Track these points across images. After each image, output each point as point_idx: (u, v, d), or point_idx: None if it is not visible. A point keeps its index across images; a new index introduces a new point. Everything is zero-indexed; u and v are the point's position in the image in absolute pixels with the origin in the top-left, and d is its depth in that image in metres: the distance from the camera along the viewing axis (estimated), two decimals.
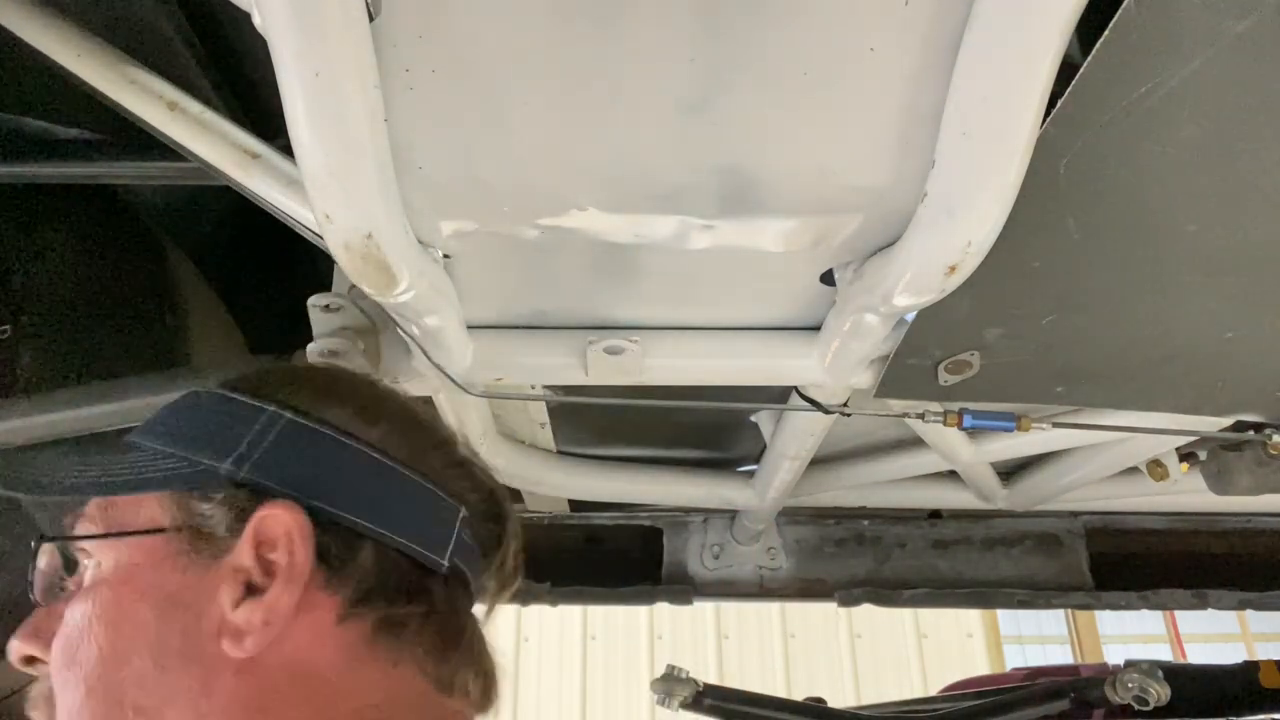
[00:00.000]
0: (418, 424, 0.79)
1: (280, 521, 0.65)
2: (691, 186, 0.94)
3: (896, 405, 1.37)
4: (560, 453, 1.89)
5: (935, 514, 2.24)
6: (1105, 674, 2.18)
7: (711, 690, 2.24)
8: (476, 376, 1.27)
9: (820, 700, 2.42)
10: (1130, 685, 2.07)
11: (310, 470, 0.68)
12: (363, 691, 0.65)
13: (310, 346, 1.22)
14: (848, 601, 2.17)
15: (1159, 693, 2.05)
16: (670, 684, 2.21)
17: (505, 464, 1.74)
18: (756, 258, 1.06)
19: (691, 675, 2.23)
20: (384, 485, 0.71)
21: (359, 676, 0.65)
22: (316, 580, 0.66)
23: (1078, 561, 2.19)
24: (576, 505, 2.19)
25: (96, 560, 0.67)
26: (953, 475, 1.98)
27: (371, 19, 0.71)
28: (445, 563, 0.71)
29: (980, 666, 8.23)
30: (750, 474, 1.93)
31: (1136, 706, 2.08)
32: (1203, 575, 2.21)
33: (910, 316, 1.10)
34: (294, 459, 0.68)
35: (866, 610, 2.24)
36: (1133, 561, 2.24)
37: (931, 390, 1.25)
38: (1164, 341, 1.19)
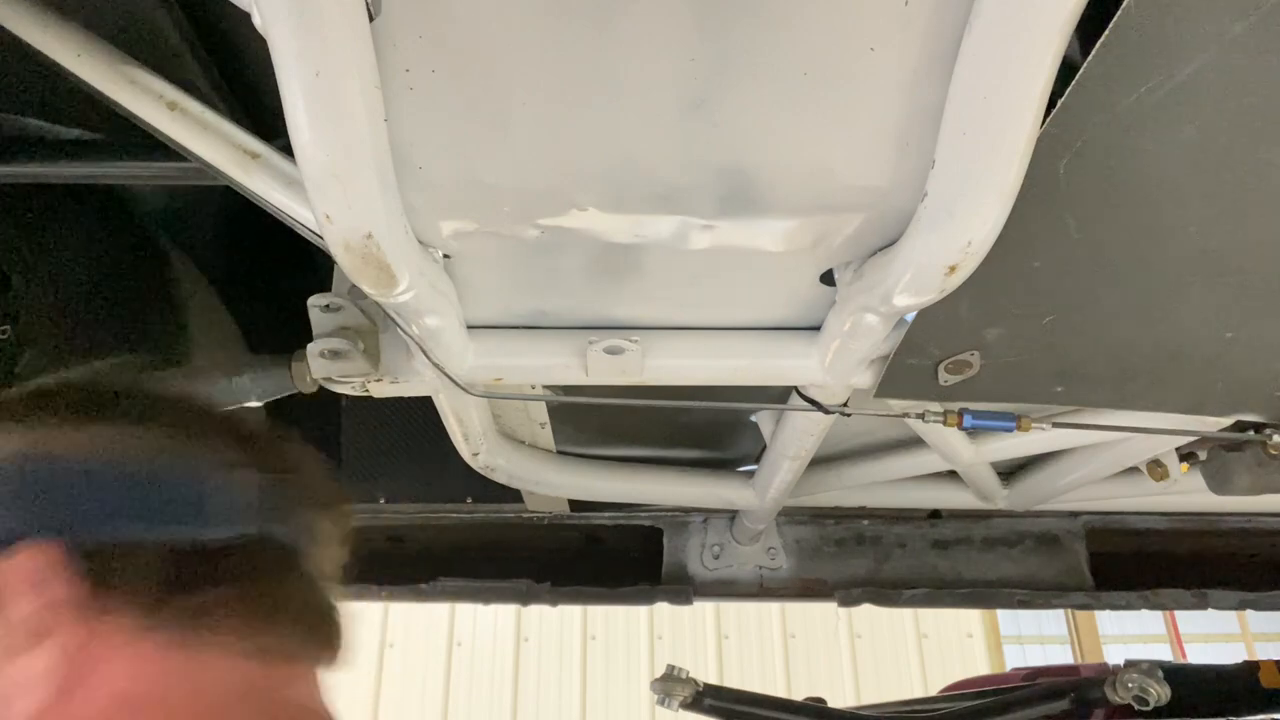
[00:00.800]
0: (171, 421, 0.72)
1: (18, 568, 0.60)
2: (691, 186, 0.94)
3: (896, 405, 1.37)
4: (560, 453, 1.89)
5: (935, 514, 2.24)
6: (1105, 674, 2.19)
7: (711, 690, 2.24)
8: (476, 376, 1.27)
9: (820, 700, 2.43)
10: (1130, 685, 2.07)
11: (49, 505, 0.63)
12: (194, 698, 0.61)
13: (310, 346, 1.22)
14: (848, 601, 2.17)
15: (1159, 693, 2.06)
16: (670, 684, 2.21)
17: (505, 464, 1.74)
18: (756, 258, 1.06)
19: (691, 675, 2.23)
20: (136, 489, 0.65)
21: (184, 684, 0.61)
22: (95, 608, 0.61)
23: (1078, 561, 2.19)
24: (576, 505, 2.19)
25: None
26: (953, 475, 1.97)
27: (371, 19, 0.71)
28: (233, 534, 0.66)
29: (980, 666, 8.24)
30: (750, 474, 1.93)
31: (1136, 706, 2.08)
32: (1203, 575, 2.21)
33: (910, 316, 1.10)
34: (29, 500, 0.64)
35: (866, 610, 2.25)
36: (1133, 561, 2.25)
37: (931, 390, 1.25)
38: (1164, 341, 1.19)
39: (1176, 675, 2.17)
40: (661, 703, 2.20)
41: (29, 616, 0.59)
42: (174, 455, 0.68)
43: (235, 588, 0.66)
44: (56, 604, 0.59)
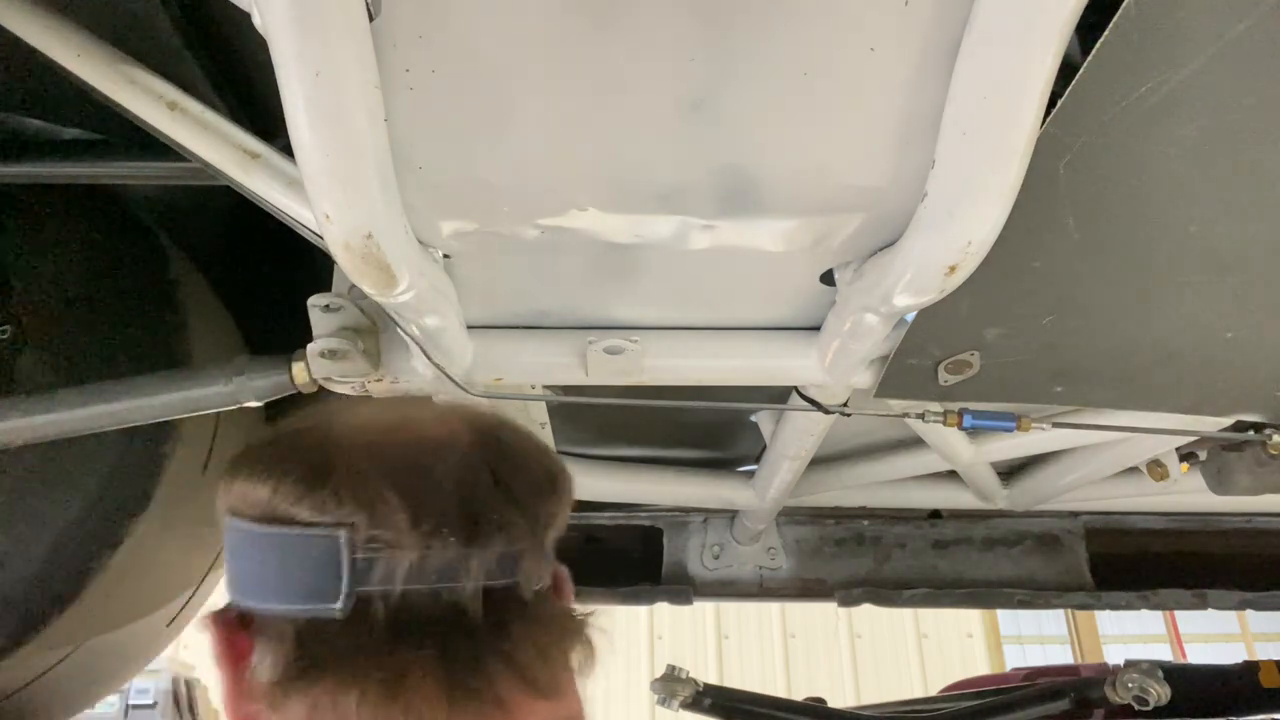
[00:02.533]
0: (287, 459, 0.67)
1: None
2: (691, 186, 0.94)
3: (896, 405, 1.37)
4: (560, 453, 1.89)
5: (935, 514, 2.24)
6: (1105, 674, 2.19)
7: (712, 690, 2.24)
8: (476, 376, 1.27)
9: (821, 700, 2.42)
10: (1130, 685, 2.07)
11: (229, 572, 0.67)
12: None
13: (310, 346, 1.22)
14: (848, 601, 2.17)
15: (1159, 693, 2.05)
16: (671, 684, 2.21)
17: None
18: (756, 258, 1.06)
19: (691, 675, 2.23)
20: (256, 555, 0.64)
21: None
22: (243, 688, 0.61)
23: (1078, 561, 2.19)
24: (576, 505, 2.18)
25: None
26: (953, 475, 1.98)
27: (371, 19, 0.71)
28: (338, 606, 0.60)
29: (980, 666, 8.24)
30: (750, 474, 1.93)
31: (1136, 706, 2.08)
32: (1203, 575, 2.21)
33: (910, 316, 1.10)
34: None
35: (866, 610, 2.24)
36: (1133, 561, 2.25)
37: (931, 390, 1.25)
38: (1164, 341, 1.19)
39: (1176, 675, 2.17)
40: (662, 703, 2.20)
41: (268, 689, 0.62)
42: (282, 510, 0.65)
43: (349, 669, 0.61)
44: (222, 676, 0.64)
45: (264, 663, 0.61)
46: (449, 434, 0.69)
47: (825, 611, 7.77)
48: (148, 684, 6.80)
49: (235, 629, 0.64)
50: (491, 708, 0.61)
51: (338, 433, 0.69)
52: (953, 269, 0.90)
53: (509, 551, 0.64)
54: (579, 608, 0.73)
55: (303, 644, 0.60)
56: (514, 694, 0.62)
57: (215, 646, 0.64)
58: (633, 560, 2.24)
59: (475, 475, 0.65)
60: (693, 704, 2.21)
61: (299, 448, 0.68)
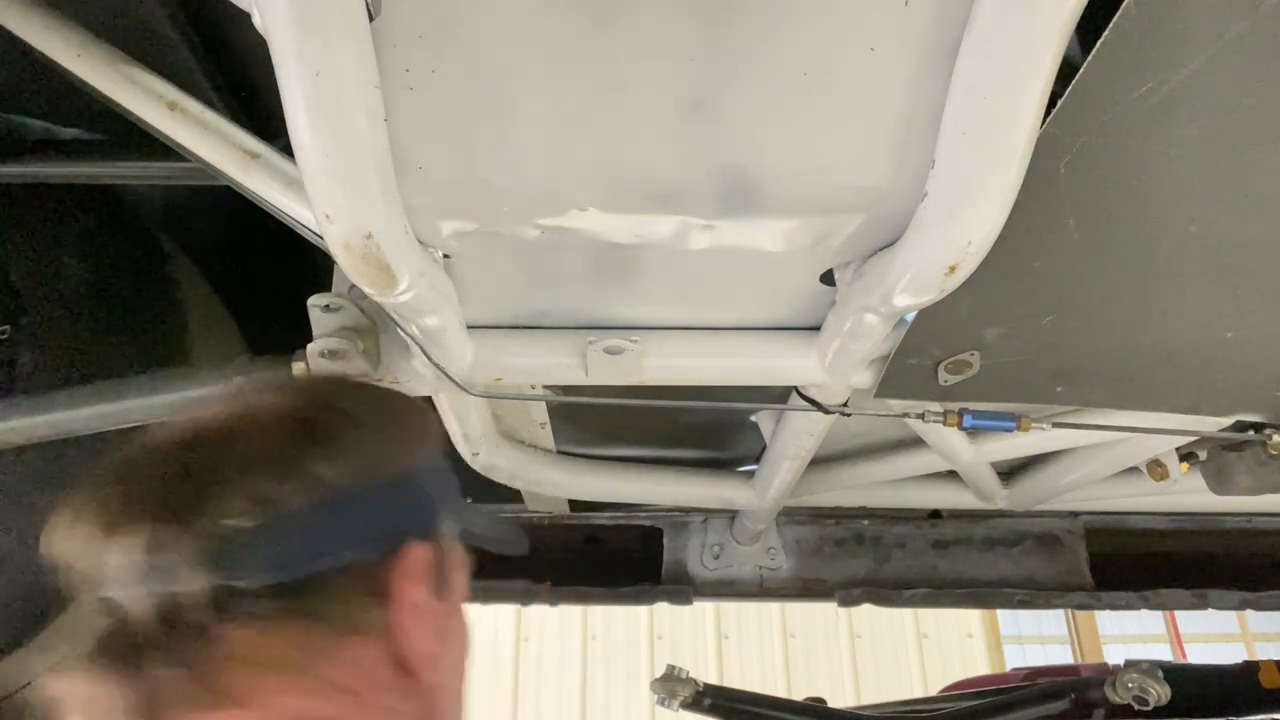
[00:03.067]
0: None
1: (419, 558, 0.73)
2: (691, 186, 0.94)
3: (896, 405, 1.37)
4: (560, 453, 1.89)
5: (935, 514, 2.24)
6: (1105, 674, 2.18)
7: (711, 690, 2.24)
8: (476, 376, 1.27)
9: (820, 700, 2.42)
10: (1130, 685, 2.07)
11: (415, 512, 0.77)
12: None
13: (310, 346, 1.22)
14: (848, 601, 2.17)
15: (1159, 693, 2.05)
16: (671, 684, 2.21)
17: (505, 464, 1.74)
18: (756, 258, 1.06)
19: (691, 675, 2.23)
20: (447, 493, 0.80)
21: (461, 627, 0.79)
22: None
23: (1078, 561, 2.19)
24: (576, 505, 2.19)
25: None
26: (953, 475, 1.97)
27: (371, 19, 0.71)
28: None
29: (980, 666, 8.23)
30: (750, 474, 1.93)
31: (1136, 706, 2.08)
32: (1203, 575, 2.21)
33: (910, 316, 1.10)
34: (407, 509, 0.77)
35: (866, 610, 2.24)
36: (1133, 561, 2.24)
37: (931, 390, 1.25)
38: (1164, 341, 1.19)
39: (1176, 675, 2.17)
40: (662, 703, 2.20)
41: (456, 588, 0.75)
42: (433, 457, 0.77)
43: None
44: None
45: None
46: (188, 421, 0.70)
47: (825, 611, 7.77)
48: None
49: None
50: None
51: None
52: (953, 269, 0.90)
53: (146, 562, 0.61)
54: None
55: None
56: (181, 703, 0.61)
57: None
58: (633, 560, 2.24)
59: (133, 469, 0.66)
60: (692, 704, 2.21)
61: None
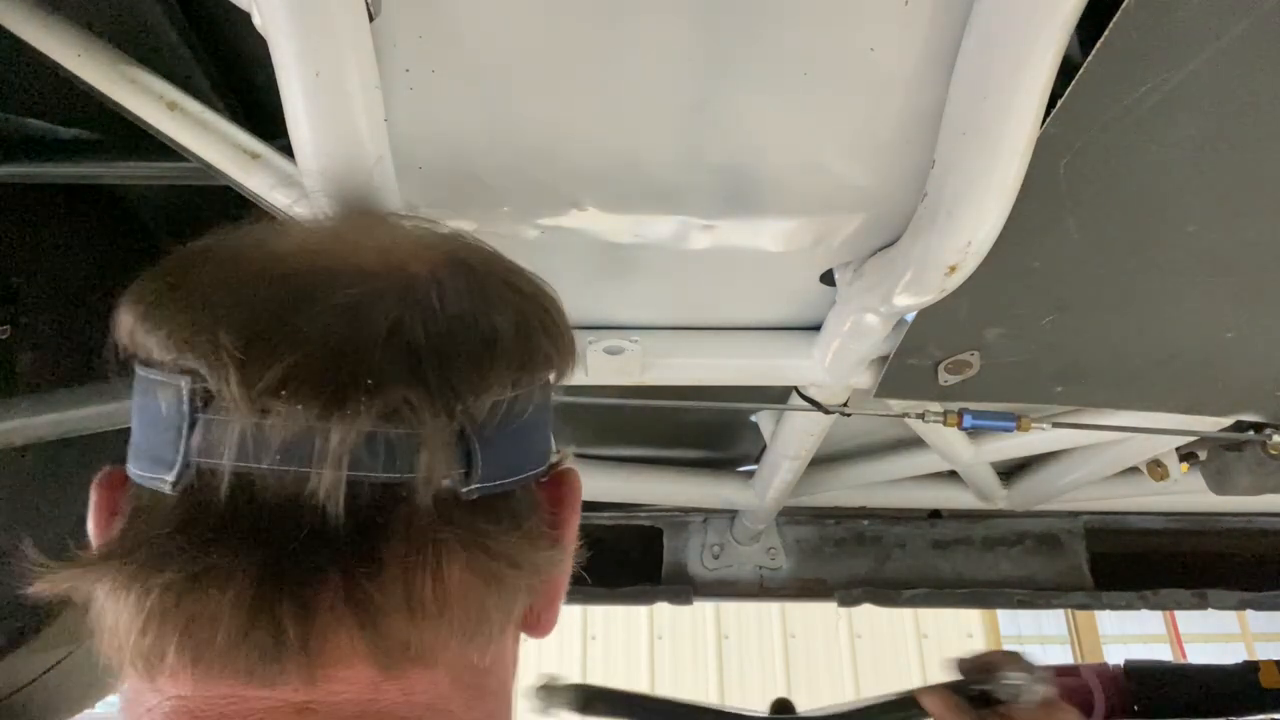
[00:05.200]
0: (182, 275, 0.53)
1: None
2: (692, 186, 0.94)
3: (896, 405, 1.37)
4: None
5: (935, 514, 2.24)
6: (1104, 673, 2.18)
7: (589, 690, 2.13)
8: None
9: (787, 703, 2.33)
10: (1009, 683, 2.03)
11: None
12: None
13: None
14: (848, 601, 2.17)
15: (1034, 692, 2.01)
16: (549, 693, 2.11)
17: None
18: (756, 258, 1.06)
19: (565, 679, 2.12)
20: (131, 399, 0.52)
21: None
22: None
23: (1078, 561, 2.19)
24: None
25: None
26: (953, 475, 1.97)
27: (371, 19, 0.71)
28: (170, 479, 0.46)
29: None
30: (750, 474, 1.93)
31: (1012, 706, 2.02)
32: (1203, 575, 2.21)
33: (910, 316, 1.10)
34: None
35: (866, 610, 2.24)
36: (1133, 561, 2.24)
37: (931, 390, 1.25)
38: (1164, 341, 1.19)
39: (1176, 675, 2.17)
40: (542, 711, 2.09)
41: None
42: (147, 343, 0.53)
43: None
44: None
45: (110, 533, 0.50)
46: (375, 267, 0.51)
47: (825, 611, 7.76)
48: None
49: (111, 489, 0.52)
50: (293, 664, 0.44)
51: (227, 252, 0.53)
52: (953, 269, 0.90)
53: (391, 433, 0.45)
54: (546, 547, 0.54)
55: (135, 519, 0.48)
56: (338, 648, 0.45)
57: (90, 508, 0.53)
58: (633, 560, 2.24)
59: (360, 323, 0.47)
60: (574, 707, 2.11)
61: (180, 264, 0.53)
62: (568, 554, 0.57)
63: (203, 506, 0.45)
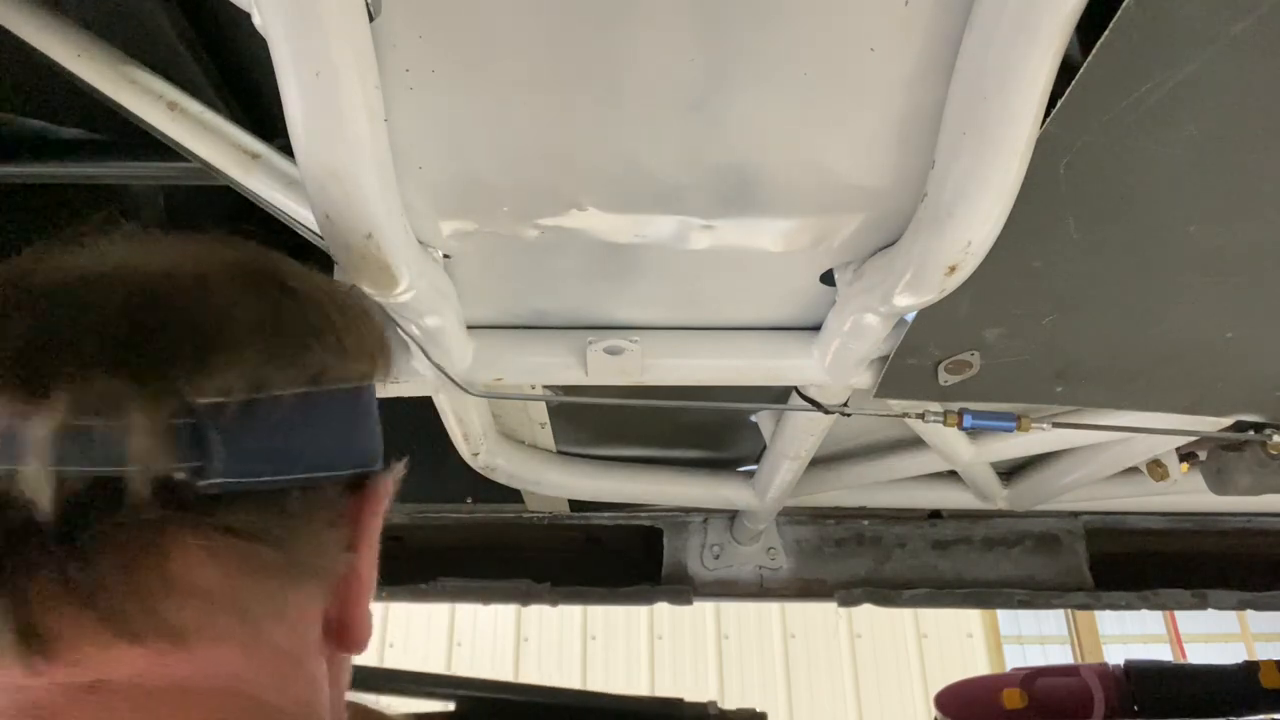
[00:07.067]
0: None
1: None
2: (692, 186, 0.94)
3: (896, 405, 1.37)
4: (560, 453, 1.89)
5: (935, 514, 2.24)
6: (1104, 673, 2.18)
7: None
8: (476, 376, 1.27)
9: (679, 700, 2.30)
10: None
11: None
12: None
13: None
14: (848, 601, 2.17)
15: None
16: None
17: (505, 464, 1.74)
18: (756, 258, 1.06)
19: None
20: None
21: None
22: None
23: (1078, 561, 2.19)
24: (576, 505, 2.19)
25: None
26: (953, 475, 1.97)
27: (371, 19, 0.71)
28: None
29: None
30: (750, 474, 1.93)
31: None
32: (1203, 575, 2.21)
33: (910, 316, 1.10)
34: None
35: (866, 610, 2.24)
36: (1133, 561, 2.24)
37: (931, 390, 1.25)
38: (1164, 341, 1.19)
39: (1176, 675, 2.17)
40: None
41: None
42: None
43: None
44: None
45: None
46: (110, 268, 0.53)
47: (825, 611, 7.77)
48: None
49: None
50: (27, 648, 0.45)
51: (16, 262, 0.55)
52: (953, 269, 0.90)
53: (95, 424, 0.45)
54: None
55: None
56: (75, 628, 0.46)
57: None
58: (633, 560, 2.24)
59: (74, 315, 0.48)
60: None
61: None
62: (364, 558, 0.57)
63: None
